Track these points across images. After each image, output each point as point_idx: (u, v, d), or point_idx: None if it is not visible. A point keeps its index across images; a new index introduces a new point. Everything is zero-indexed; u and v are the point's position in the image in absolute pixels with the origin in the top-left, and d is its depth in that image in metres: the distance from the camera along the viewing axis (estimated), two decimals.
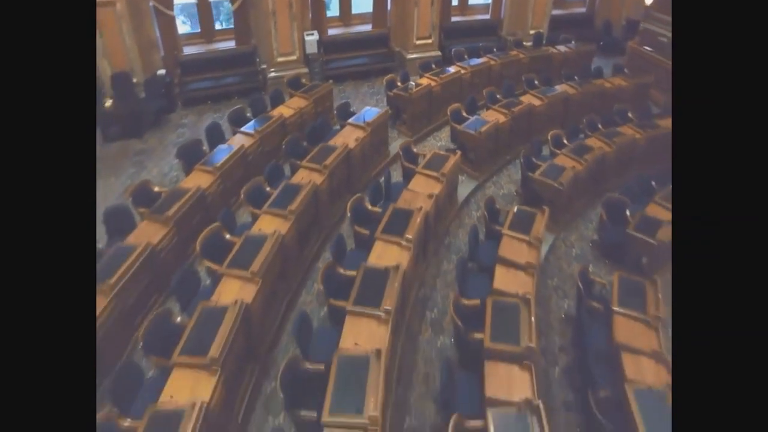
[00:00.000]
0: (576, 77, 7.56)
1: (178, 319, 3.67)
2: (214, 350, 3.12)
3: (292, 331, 3.72)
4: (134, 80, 7.24)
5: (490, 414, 3.02)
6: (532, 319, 3.67)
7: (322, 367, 3.29)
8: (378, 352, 3.22)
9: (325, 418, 2.86)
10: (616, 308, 4.01)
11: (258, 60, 8.06)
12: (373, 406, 2.90)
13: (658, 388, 3.42)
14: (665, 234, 4.88)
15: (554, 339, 4.45)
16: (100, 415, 2.92)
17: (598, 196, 5.96)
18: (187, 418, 2.77)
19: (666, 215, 5.12)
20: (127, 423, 2.98)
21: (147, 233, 4.25)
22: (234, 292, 3.65)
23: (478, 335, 3.61)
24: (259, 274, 3.75)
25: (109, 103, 6.95)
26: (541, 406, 3.02)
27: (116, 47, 7.07)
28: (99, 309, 3.51)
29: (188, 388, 3.00)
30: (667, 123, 6.77)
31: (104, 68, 7.11)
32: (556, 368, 4.21)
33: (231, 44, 8.25)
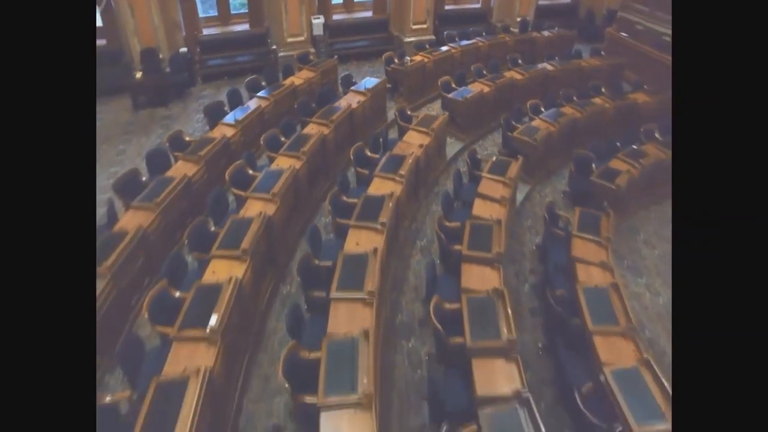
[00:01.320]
0: (557, 58, 8.39)
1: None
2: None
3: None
4: (160, 56, 8.07)
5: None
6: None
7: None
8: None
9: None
10: (575, 233, 4.83)
11: (269, 41, 8.90)
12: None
13: (603, 286, 4.24)
14: (623, 180, 5.70)
15: (525, 264, 5.26)
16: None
17: (570, 157, 6.77)
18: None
19: (625, 167, 5.94)
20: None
21: (183, 170, 5.07)
22: (257, 208, 4.46)
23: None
24: (278, 196, 4.57)
25: (139, 74, 7.80)
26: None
27: (145, 26, 7.90)
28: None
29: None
30: (636, 97, 7.61)
31: (134, 45, 7.95)
32: (525, 285, 5.02)
33: (245, 26, 9.10)
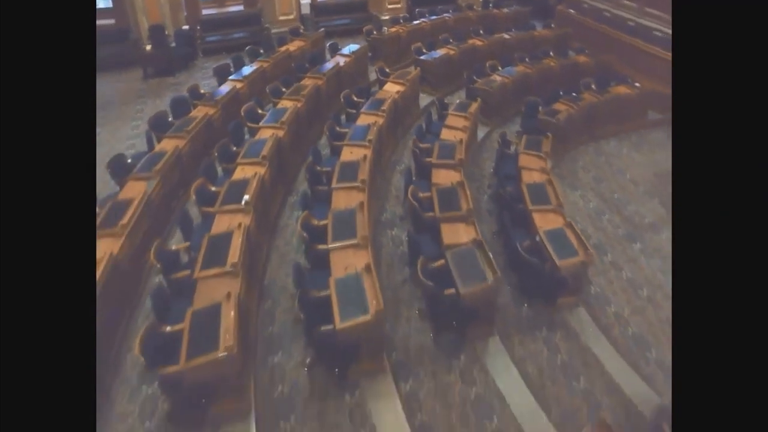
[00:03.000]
0: (513, 29, 9.75)
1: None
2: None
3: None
4: (166, 32, 9.10)
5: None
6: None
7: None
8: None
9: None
10: (521, 150, 6.12)
11: (263, 20, 10.01)
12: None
13: (541, 181, 5.51)
14: (563, 116, 7.03)
15: (484, 182, 6.53)
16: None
17: (523, 105, 8.09)
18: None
19: (565, 107, 7.27)
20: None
21: (203, 111, 6.17)
22: (269, 133, 5.60)
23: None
24: (286, 124, 5.73)
25: (148, 47, 8.83)
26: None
27: (152, 5, 8.94)
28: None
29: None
30: (578, 58, 9.01)
31: (142, 22, 8.97)
32: (485, 196, 6.28)
33: (240, 7, 10.19)
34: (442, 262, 4.31)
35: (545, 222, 4.90)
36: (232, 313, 3.41)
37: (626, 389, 4.04)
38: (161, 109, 6.38)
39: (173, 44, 9.17)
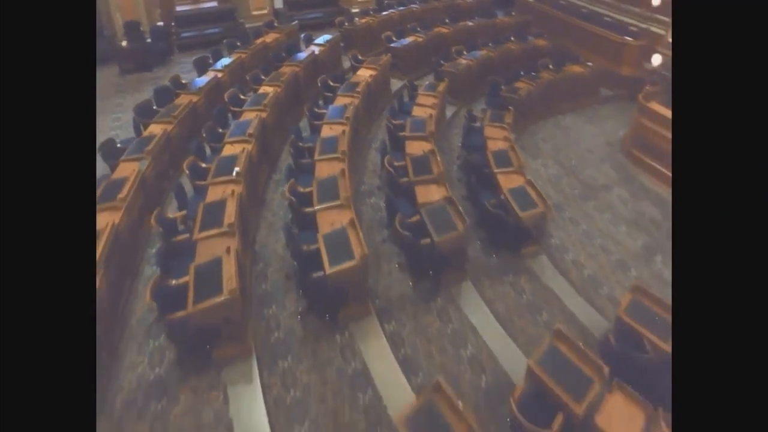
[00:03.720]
0: (476, 18, 10.34)
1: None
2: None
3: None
4: (141, 28, 9.32)
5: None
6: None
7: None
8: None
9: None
10: (486, 123, 6.67)
11: (236, 15, 10.31)
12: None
13: (505, 148, 6.08)
14: (523, 92, 7.64)
15: (453, 155, 7.06)
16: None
17: (487, 85, 8.67)
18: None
19: (525, 85, 7.88)
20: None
21: (186, 99, 6.49)
22: (252, 115, 5.98)
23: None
24: (268, 107, 6.13)
25: (124, 42, 9.03)
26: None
27: (126, 2, 9.14)
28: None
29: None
30: (537, 42, 9.66)
31: (117, 19, 9.17)
32: (454, 167, 6.81)
33: (214, 3, 10.46)
34: (417, 217, 4.80)
35: (508, 182, 5.46)
36: (233, 262, 3.82)
37: (581, 319, 4.64)
38: (145, 98, 6.68)
39: (149, 40, 9.39)
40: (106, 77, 9.03)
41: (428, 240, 4.54)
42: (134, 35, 9.16)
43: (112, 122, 7.53)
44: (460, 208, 4.81)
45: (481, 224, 5.60)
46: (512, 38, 9.68)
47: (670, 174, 6.79)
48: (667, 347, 3.72)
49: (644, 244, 5.77)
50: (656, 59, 7.47)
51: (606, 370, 3.41)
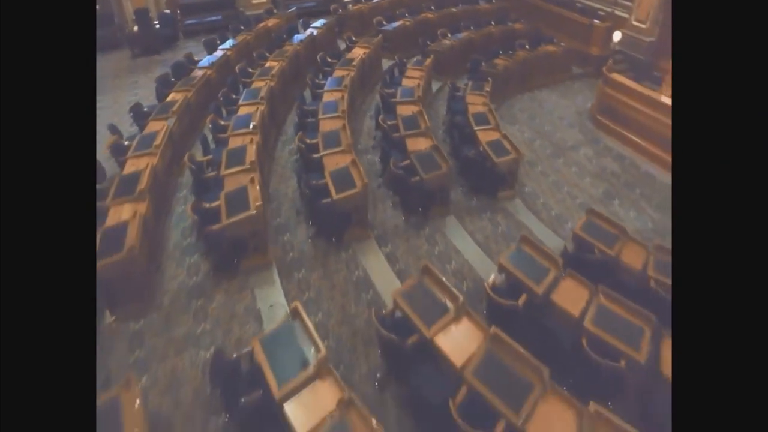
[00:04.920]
0: (460, 4, 11.23)
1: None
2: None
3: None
4: (150, 15, 10.04)
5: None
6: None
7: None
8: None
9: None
10: (468, 92, 7.54)
11: (237, 4, 11.08)
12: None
13: (483, 111, 6.94)
14: (501, 67, 8.52)
15: (439, 122, 7.92)
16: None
17: (468, 63, 9.54)
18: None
19: (503, 61, 8.77)
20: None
21: (200, 73, 7.26)
22: (262, 84, 6.77)
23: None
24: (276, 77, 6.93)
25: (135, 28, 9.76)
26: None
27: None
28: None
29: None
30: (515, 25, 10.57)
31: (127, 6, 9.89)
32: (440, 131, 7.66)
33: None
34: (408, 161, 5.64)
35: (486, 137, 6.32)
36: (257, 188, 4.63)
37: (548, 244, 5.49)
38: (163, 72, 7.44)
39: (157, 26, 10.12)
40: (119, 60, 9.76)
41: (417, 178, 5.39)
42: (143, 22, 9.89)
43: (131, 97, 8.24)
44: (444, 153, 5.67)
45: (463, 174, 6.46)
46: (492, 23, 10.59)
47: (630, 135, 7.73)
48: (612, 252, 4.60)
49: (604, 191, 6.67)
50: (617, 36, 8.41)
51: (560, 262, 4.28)
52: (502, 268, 4.30)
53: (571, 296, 4.02)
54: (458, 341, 3.43)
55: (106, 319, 4.12)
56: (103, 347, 3.95)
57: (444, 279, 3.87)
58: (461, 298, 3.69)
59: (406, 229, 5.49)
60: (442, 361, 3.37)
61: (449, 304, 3.68)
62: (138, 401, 2.86)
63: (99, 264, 3.84)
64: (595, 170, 7.13)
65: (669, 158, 7.07)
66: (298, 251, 5.05)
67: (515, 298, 3.99)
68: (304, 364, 3.09)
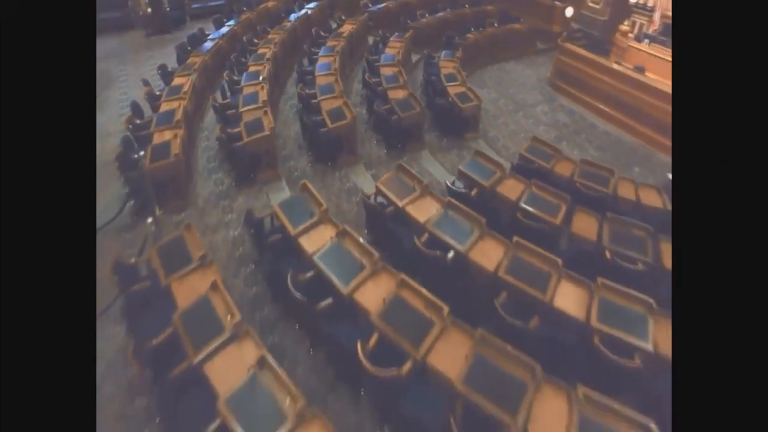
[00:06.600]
0: None
1: None
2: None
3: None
4: None
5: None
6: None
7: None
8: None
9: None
10: (441, 59, 8.85)
11: None
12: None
13: (455, 73, 8.25)
14: (471, 39, 9.86)
15: (417, 83, 9.21)
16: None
17: (444, 37, 10.86)
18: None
19: (474, 35, 10.10)
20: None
21: (212, 43, 8.49)
22: (267, 51, 8.02)
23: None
24: (278, 45, 8.19)
25: (149, 9, 10.96)
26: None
27: None
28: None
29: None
30: (487, 7, 11.93)
31: None
32: (418, 90, 8.95)
33: None
34: (389, 106, 6.93)
35: (454, 90, 7.63)
36: (270, 118, 5.91)
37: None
38: (181, 41, 8.68)
39: (168, 9, 11.33)
40: (134, 38, 10.96)
41: (396, 117, 6.68)
42: (156, 4, 11.09)
43: (149, 68, 9.46)
44: (420, 100, 6.97)
45: (436, 122, 7.77)
46: (467, 5, 11.93)
47: (580, 95, 9.08)
48: (548, 165, 5.92)
49: (555, 136, 8.01)
50: (569, 11, 9.79)
51: (506, 167, 5.59)
52: (460, 173, 5.60)
53: (512, 188, 5.32)
54: (422, 210, 4.72)
55: (156, 212, 5.35)
56: (155, 232, 5.19)
57: (415, 171, 5.16)
58: (425, 182, 4.99)
59: (387, 159, 6.78)
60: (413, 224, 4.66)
61: (416, 187, 4.97)
62: (198, 235, 4.11)
63: (151, 166, 5.09)
64: (548, 121, 8.47)
65: (610, 111, 8.47)
66: (301, 171, 6.32)
67: (470, 191, 5.30)
68: (311, 215, 4.36)
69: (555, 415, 2.87)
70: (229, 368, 3.14)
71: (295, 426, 2.78)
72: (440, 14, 10.98)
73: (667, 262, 4.30)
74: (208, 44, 8.47)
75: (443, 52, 9.08)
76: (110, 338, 4.11)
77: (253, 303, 4.41)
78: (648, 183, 5.78)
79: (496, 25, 10.88)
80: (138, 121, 6.23)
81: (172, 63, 8.35)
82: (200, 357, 3.15)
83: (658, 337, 3.36)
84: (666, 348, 3.32)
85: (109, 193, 5.69)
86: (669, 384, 3.41)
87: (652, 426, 2.69)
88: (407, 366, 3.11)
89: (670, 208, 5.28)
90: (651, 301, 3.58)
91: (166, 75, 7.43)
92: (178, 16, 11.46)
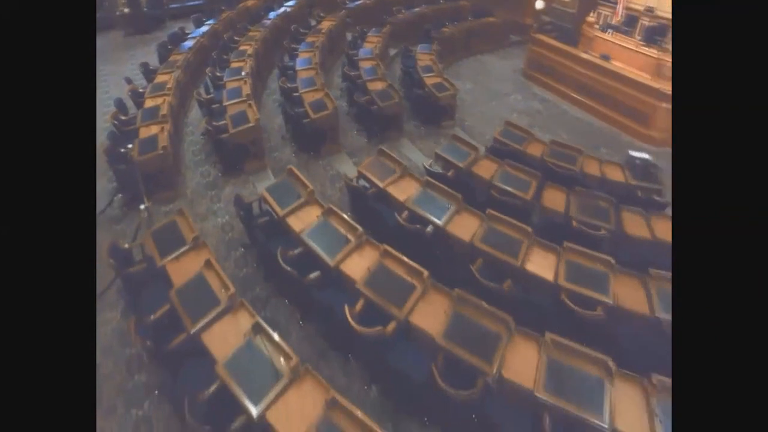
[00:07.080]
0: None
1: None
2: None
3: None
4: None
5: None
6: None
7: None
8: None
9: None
10: (417, 52, 9.14)
11: None
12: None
13: (431, 64, 8.56)
14: (447, 32, 10.18)
15: (395, 75, 9.50)
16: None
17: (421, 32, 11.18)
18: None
19: (449, 29, 10.43)
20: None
21: (194, 41, 8.63)
22: (249, 48, 8.21)
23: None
24: (259, 42, 8.37)
25: (126, 10, 11.01)
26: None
27: None
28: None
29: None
30: (461, 4, 12.29)
31: None
32: (396, 80, 9.24)
33: None
34: (369, 97, 7.19)
35: (431, 80, 7.93)
36: (254, 110, 6.12)
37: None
38: (162, 40, 8.79)
39: (145, 9, 11.39)
40: (113, 39, 11.01)
41: (376, 106, 6.95)
42: (134, 4, 11.15)
43: (132, 66, 9.54)
44: (399, 91, 7.26)
45: (414, 111, 8.07)
46: (442, 0, 12.27)
47: (552, 83, 9.49)
48: (520, 147, 6.25)
49: (528, 123, 8.36)
50: (539, 4, 10.20)
51: (481, 149, 5.91)
52: (438, 156, 5.90)
53: (487, 168, 5.64)
54: (402, 190, 5.00)
55: (146, 203, 5.51)
56: (147, 220, 5.36)
57: (396, 155, 5.44)
58: (404, 164, 5.27)
59: (368, 147, 7.05)
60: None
61: (396, 169, 5.25)
62: (191, 219, 4.31)
63: (140, 159, 5.26)
64: (522, 109, 8.85)
65: (581, 98, 8.88)
66: (285, 162, 6.53)
67: (447, 172, 5.60)
68: (299, 197, 4.60)
69: (526, 360, 3.17)
70: (226, 336, 3.37)
71: (290, 381, 3.03)
72: (417, 9, 11.29)
73: (629, 228, 4.68)
74: (189, 42, 8.61)
75: (420, 46, 9.39)
76: (107, 323, 4.29)
77: (244, 283, 4.63)
78: (612, 160, 6.17)
79: (470, 18, 11.24)
80: (123, 117, 6.37)
81: (153, 62, 8.47)
82: (198, 327, 3.37)
83: (617, 291, 3.71)
84: (624, 300, 3.67)
85: (97, 188, 5.83)
86: (628, 332, 3.76)
87: (610, 363, 3.02)
88: (392, 325, 3.38)
89: (632, 182, 5.68)
90: (611, 260, 3.93)
91: (149, 73, 7.56)
92: (157, 15, 11.53)
